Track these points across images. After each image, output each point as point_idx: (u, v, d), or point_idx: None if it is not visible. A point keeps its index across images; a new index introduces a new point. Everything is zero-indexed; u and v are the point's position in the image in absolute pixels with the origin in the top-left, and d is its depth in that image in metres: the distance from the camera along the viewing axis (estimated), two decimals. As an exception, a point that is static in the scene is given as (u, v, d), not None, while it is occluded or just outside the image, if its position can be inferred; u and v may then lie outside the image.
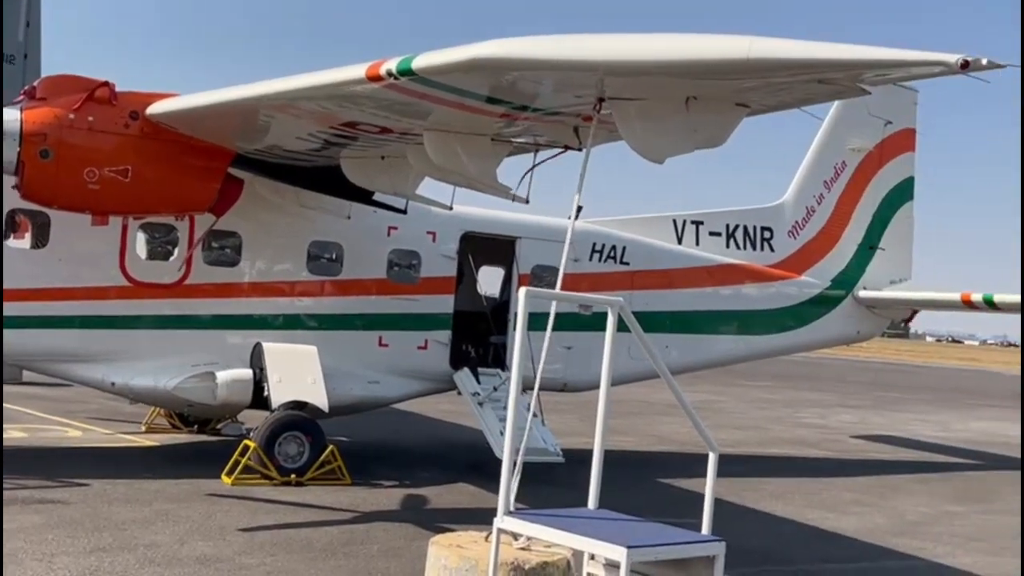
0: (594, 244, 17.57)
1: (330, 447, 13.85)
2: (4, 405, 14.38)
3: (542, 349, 8.43)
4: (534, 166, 11.95)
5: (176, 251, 14.41)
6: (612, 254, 17.75)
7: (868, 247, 21.37)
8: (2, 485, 11.87)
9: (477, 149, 11.03)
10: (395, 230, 15.70)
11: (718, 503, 8.50)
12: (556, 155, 11.88)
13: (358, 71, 9.29)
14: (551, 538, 7.03)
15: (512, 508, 7.49)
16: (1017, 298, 19.67)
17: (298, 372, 14.11)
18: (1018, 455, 24.32)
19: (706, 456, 8.02)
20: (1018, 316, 20.65)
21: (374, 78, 9.14)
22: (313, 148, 12.60)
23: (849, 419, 30.49)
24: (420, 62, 8.71)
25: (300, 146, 12.58)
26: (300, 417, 13.88)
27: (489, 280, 18.43)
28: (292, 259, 15.04)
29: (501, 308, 17.02)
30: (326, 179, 13.95)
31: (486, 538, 7.50)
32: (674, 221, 19.34)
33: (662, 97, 8.42)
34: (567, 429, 19.37)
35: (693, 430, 8.19)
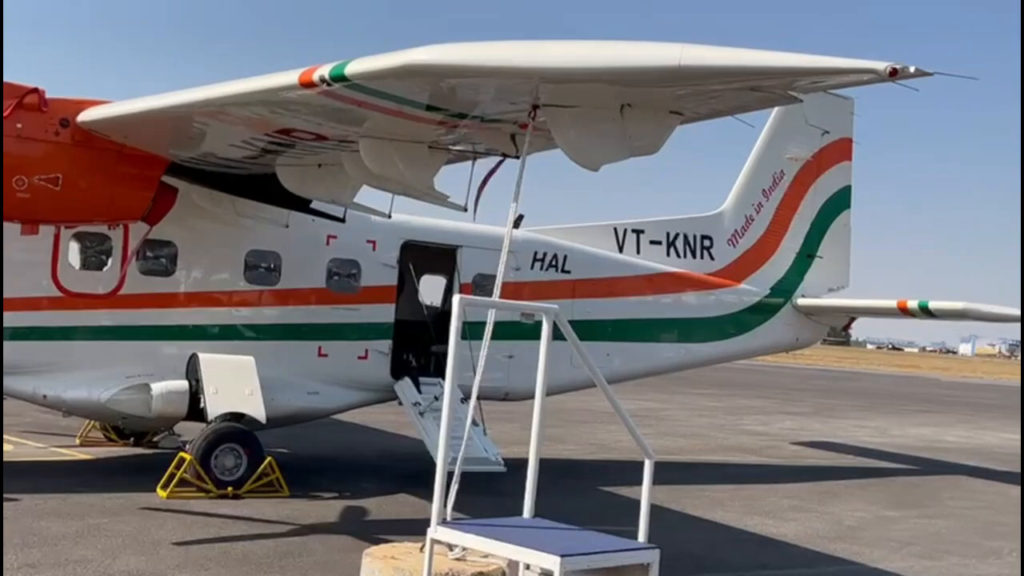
0: (535, 252, 17.56)
1: (268, 459, 13.67)
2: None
3: (481, 358, 8.36)
4: (483, 182, 11.90)
5: (110, 261, 14.14)
6: (554, 263, 17.74)
7: (806, 255, 21.58)
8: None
9: (414, 157, 10.95)
10: (334, 239, 15.57)
11: (657, 510, 8.49)
12: (497, 165, 11.84)
13: (291, 77, 9.17)
14: (485, 548, 6.96)
15: (448, 518, 7.41)
16: (951, 305, 19.97)
17: (235, 383, 13.92)
18: (953, 460, 24.69)
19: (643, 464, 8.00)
20: (944, 322, 20.94)
21: (307, 84, 9.03)
22: (248, 155, 12.44)
23: (790, 425, 30.76)
24: (353, 68, 8.61)
25: (235, 153, 12.41)
26: (237, 429, 13.69)
27: (430, 289, 18.33)
28: (229, 268, 14.84)
29: (443, 317, 16.90)
30: (263, 187, 13.79)
31: (420, 549, 7.41)
32: (615, 230, 19.41)
33: (596, 104, 8.41)
34: (509, 438, 19.31)
35: (632, 438, 8.15)
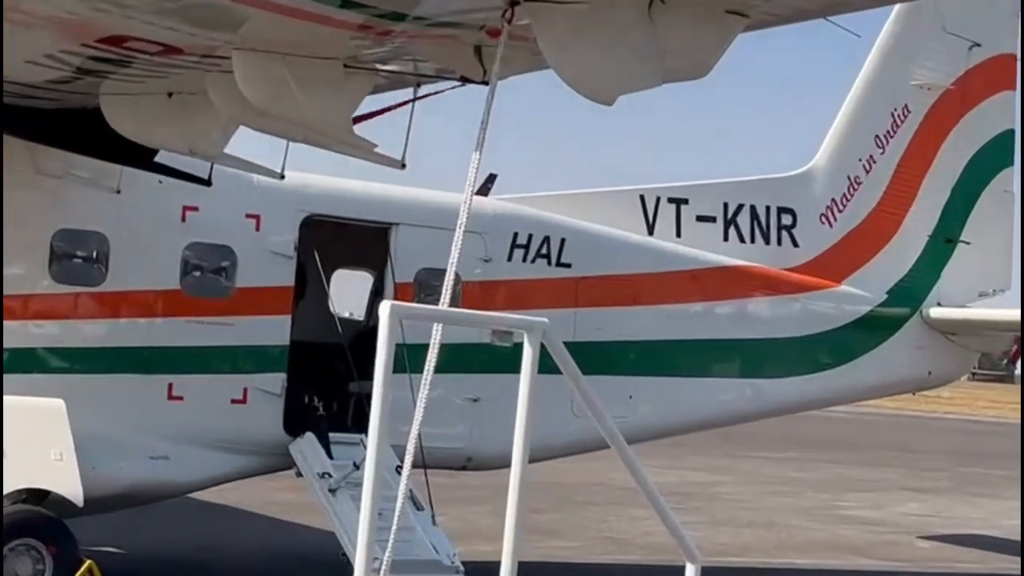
0: (515, 234, 17.59)
1: (87, 563, 13.64)
2: None
3: (420, 400, 8.33)
4: (413, 99, 11.92)
5: None
6: (544, 250, 17.77)
7: (945, 240, 21.72)
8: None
9: (322, 81, 10.93)
10: (194, 212, 15.61)
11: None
12: (450, 88, 11.87)
13: (121, -47, 9.15)
14: None
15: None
16: None
17: (34, 442, 13.89)
18: None
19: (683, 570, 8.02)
20: None
21: (149, -36, 9.01)
22: (56, 79, 12.42)
23: (917, 510, 30.89)
24: (222, -62, 8.61)
25: (35, 75, 12.38)
26: (37, 516, 13.70)
27: (348, 292, 18.34)
28: (24, 259, 14.83)
29: (366, 337, 16.89)
30: (79, 129, 13.78)
31: None
32: (642, 198, 19.45)
33: (609, -2, 8.42)
34: (474, 529, 19.36)
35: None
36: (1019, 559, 23.91)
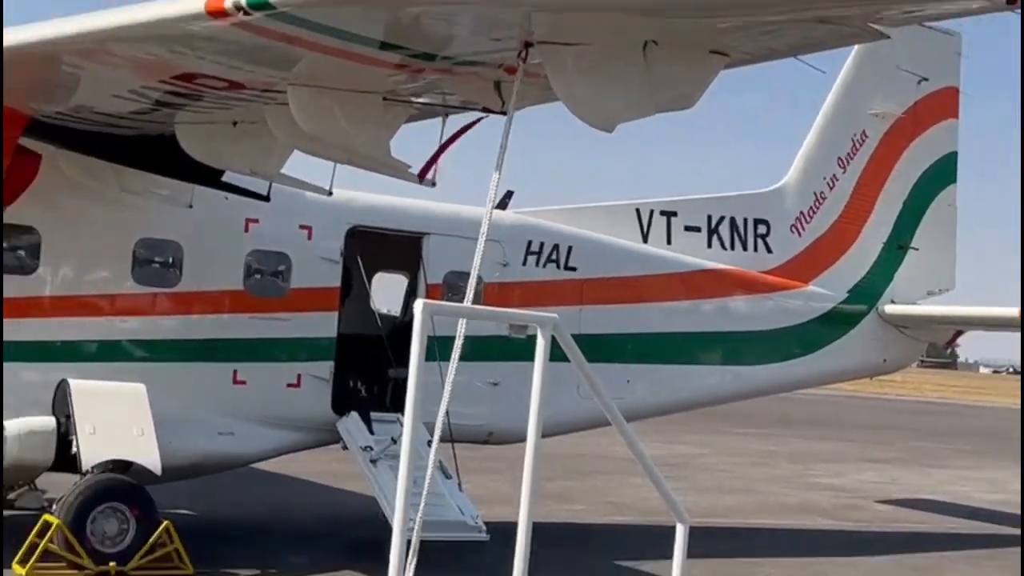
0: (529, 243, 17.63)
1: (164, 523, 13.69)
2: None
3: (447, 383, 8.41)
4: (448, 141, 11.98)
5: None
6: (554, 256, 17.82)
7: (897, 246, 21.71)
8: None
9: (364, 112, 10.98)
10: (255, 224, 15.63)
11: (692, 593, 8.50)
12: (473, 122, 11.98)
13: (195, 3, 9.16)
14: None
15: (409, 604, 7.39)
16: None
17: (119, 420, 13.92)
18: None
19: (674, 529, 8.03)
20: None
21: (217, 13, 9.01)
22: (138, 110, 12.45)
23: (875, 478, 30.86)
24: (280, -9, 8.62)
25: (120, 107, 12.41)
26: (122, 482, 13.71)
27: (387, 292, 18.37)
28: (111, 264, 14.87)
29: (402, 330, 16.92)
30: (157, 153, 13.80)
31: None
32: (638, 211, 19.49)
33: (609, 41, 8.42)
34: (493, 495, 19.34)
35: (661, 495, 8.19)
36: (960, 520, 23.97)
